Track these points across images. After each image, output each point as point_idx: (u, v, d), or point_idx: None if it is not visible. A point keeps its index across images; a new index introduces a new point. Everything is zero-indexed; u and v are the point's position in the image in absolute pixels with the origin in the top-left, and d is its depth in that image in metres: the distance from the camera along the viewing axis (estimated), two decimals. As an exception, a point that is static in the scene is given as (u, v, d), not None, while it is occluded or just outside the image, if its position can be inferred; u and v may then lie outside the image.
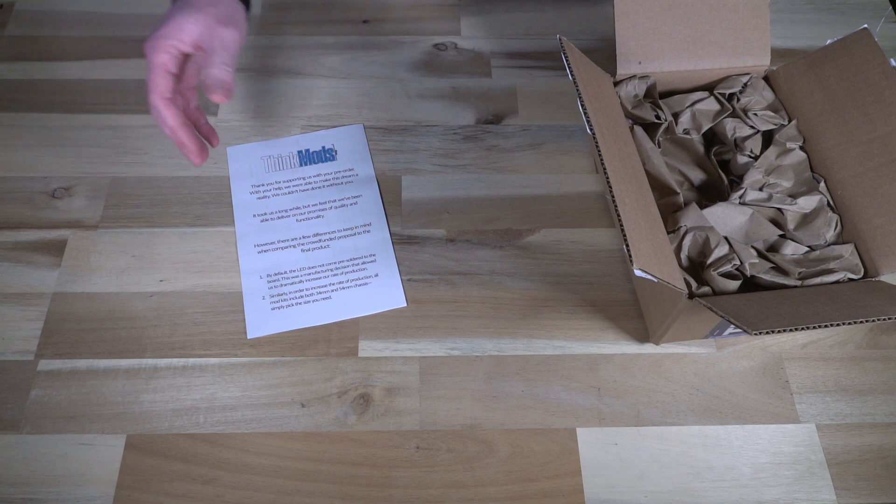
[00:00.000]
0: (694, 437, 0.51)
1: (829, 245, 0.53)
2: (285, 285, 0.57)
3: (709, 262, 0.50)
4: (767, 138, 0.58)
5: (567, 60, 0.49)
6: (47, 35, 0.72)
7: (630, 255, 0.40)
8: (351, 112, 0.67)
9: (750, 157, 0.56)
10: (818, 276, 0.50)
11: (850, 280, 0.51)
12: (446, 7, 0.76)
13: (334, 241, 0.59)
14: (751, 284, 0.50)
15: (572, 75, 0.48)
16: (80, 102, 0.67)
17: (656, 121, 0.58)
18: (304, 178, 0.63)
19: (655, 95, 0.59)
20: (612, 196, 0.43)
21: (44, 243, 0.58)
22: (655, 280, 0.41)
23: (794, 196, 0.55)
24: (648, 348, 0.55)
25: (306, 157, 0.64)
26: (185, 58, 0.51)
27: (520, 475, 0.49)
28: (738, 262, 0.50)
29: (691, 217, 0.52)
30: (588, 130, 0.46)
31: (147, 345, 0.54)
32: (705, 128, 0.58)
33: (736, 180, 0.56)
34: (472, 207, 0.62)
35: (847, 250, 0.52)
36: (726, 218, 0.53)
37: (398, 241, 0.60)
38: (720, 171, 0.57)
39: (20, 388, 0.52)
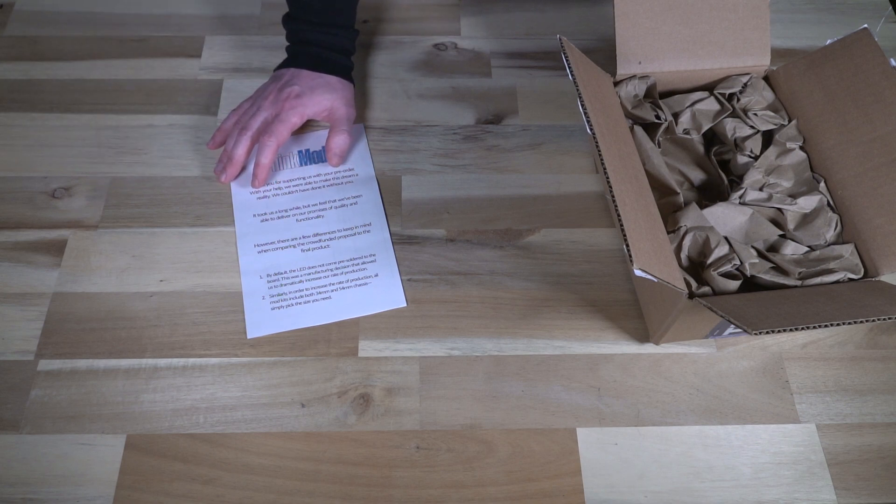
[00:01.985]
0: (694, 437, 0.51)
1: (829, 245, 0.53)
2: (285, 285, 0.57)
3: (709, 262, 0.50)
4: (767, 138, 0.58)
5: (567, 60, 0.49)
6: (47, 35, 0.72)
7: (630, 255, 0.40)
8: (351, 112, 0.67)
9: (750, 157, 0.57)
10: (818, 276, 0.50)
11: (850, 280, 0.51)
12: (446, 7, 0.76)
13: (334, 241, 0.59)
14: (751, 284, 0.50)
15: (572, 75, 0.48)
16: (80, 102, 0.67)
17: (656, 121, 0.58)
18: (304, 178, 0.63)
19: (655, 95, 0.59)
20: (612, 196, 0.43)
21: (44, 243, 0.58)
22: (655, 280, 0.41)
23: (794, 196, 0.55)
24: (648, 348, 0.55)
25: (306, 157, 0.64)
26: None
27: (520, 475, 0.49)
28: (738, 262, 0.50)
29: (691, 217, 0.52)
30: (588, 130, 0.46)
31: (147, 345, 0.54)
32: (705, 128, 0.58)
33: (736, 180, 0.56)
34: (472, 207, 0.62)
35: (847, 250, 0.52)
36: (726, 218, 0.53)
37: (398, 241, 0.60)
38: (720, 171, 0.57)
39: (20, 388, 0.52)
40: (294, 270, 0.58)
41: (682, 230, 0.51)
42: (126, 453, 0.49)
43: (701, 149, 0.58)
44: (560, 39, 0.51)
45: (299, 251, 0.59)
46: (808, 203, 0.54)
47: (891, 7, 0.76)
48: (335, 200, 0.62)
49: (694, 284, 0.49)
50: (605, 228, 0.60)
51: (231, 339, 0.54)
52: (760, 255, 0.52)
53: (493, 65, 0.71)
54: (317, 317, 0.55)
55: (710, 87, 0.61)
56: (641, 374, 0.53)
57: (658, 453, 0.50)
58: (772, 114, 0.59)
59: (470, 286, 0.57)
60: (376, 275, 0.58)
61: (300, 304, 0.56)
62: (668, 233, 0.52)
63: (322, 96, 0.61)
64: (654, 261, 0.43)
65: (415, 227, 0.60)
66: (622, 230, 0.41)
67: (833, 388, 0.53)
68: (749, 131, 0.58)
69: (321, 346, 0.54)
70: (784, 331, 0.39)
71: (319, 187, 0.62)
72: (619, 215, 0.42)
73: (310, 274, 0.58)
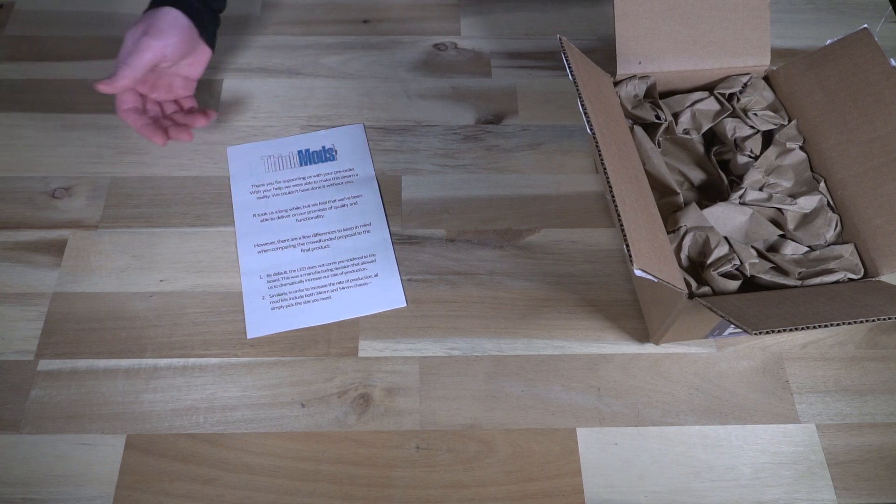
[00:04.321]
0: (694, 437, 0.51)
1: (829, 245, 0.53)
2: (285, 285, 0.57)
3: (709, 262, 0.50)
4: (767, 138, 0.58)
5: (567, 60, 0.49)
6: (47, 35, 0.72)
7: (630, 255, 0.40)
8: (351, 112, 0.67)
9: (750, 157, 0.57)
10: (818, 276, 0.50)
11: (850, 280, 0.51)
12: (446, 7, 0.76)
13: (334, 241, 0.59)
14: (751, 284, 0.50)
15: (572, 75, 0.48)
16: (80, 102, 0.67)
17: (656, 121, 0.58)
18: (304, 178, 0.63)
19: (655, 95, 0.59)
20: (612, 196, 0.43)
21: (44, 243, 0.58)
22: (655, 280, 0.41)
23: (794, 196, 0.55)
24: (648, 348, 0.55)
25: (306, 157, 0.64)
26: (148, 73, 0.59)
27: (520, 475, 0.49)
28: (738, 262, 0.50)
29: (691, 217, 0.52)
30: (588, 130, 0.46)
31: (147, 345, 0.54)
32: (705, 128, 0.58)
33: (736, 180, 0.56)
34: (472, 207, 0.62)
35: (847, 250, 0.52)
36: (726, 218, 0.53)
37: (398, 241, 0.60)
38: (720, 171, 0.57)
39: (20, 388, 0.52)
40: (294, 270, 0.58)
41: (682, 230, 0.51)
42: (126, 453, 0.49)
43: (701, 149, 0.58)
44: (560, 39, 0.51)
45: (299, 251, 0.59)
46: (808, 203, 0.54)
47: (891, 7, 0.76)
48: (335, 200, 0.62)
49: (694, 284, 0.49)
50: (605, 228, 0.60)
51: (231, 339, 0.54)
52: (760, 255, 0.52)
53: (493, 65, 0.71)
54: (317, 317, 0.55)
55: (710, 87, 0.61)
56: (641, 374, 0.53)
57: (658, 453, 0.50)
58: (772, 114, 0.59)
59: (470, 286, 0.57)
60: (376, 275, 0.58)
61: (300, 304, 0.56)
62: (668, 233, 0.52)
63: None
64: (654, 261, 0.43)
65: (415, 227, 0.60)
66: (622, 230, 0.41)
67: (833, 388, 0.53)
68: (749, 131, 0.58)
69: (321, 346, 0.54)
70: (784, 331, 0.39)
71: (319, 187, 0.62)
72: (619, 215, 0.42)
73: (310, 274, 0.58)
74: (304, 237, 0.60)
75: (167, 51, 0.57)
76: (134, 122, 0.59)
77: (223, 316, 0.55)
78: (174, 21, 0.58)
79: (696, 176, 0.58)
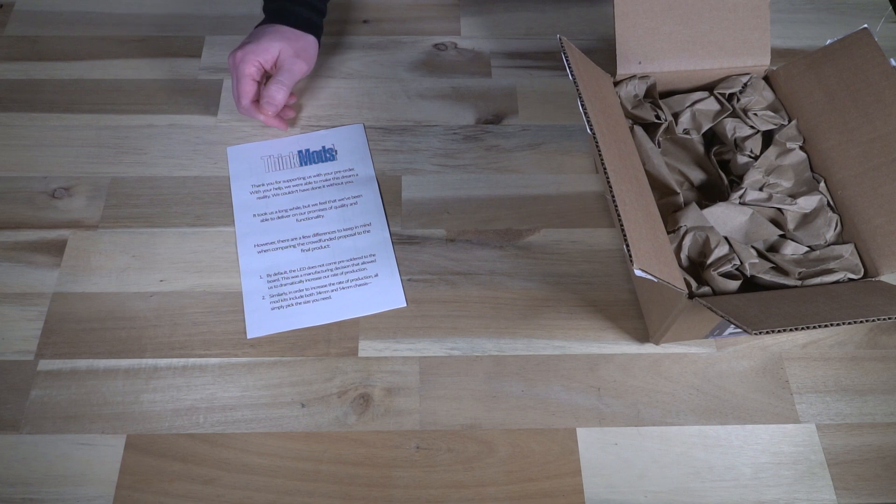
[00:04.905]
0: (694, 437, 0.51)
1: (829, 245, 0.53)
2: (285, 285, 0.57)
3: (709, 262, 0.50)
4: (767, 138, 0.58)
5: (567, 60, 0.49)
6: (47, 35, 0.72)
7: (630, 255, 0.40)
8: (351, 112, 0.67)
9: (750, 157, 0.57)
10: (818, 276, 0.50)
11: (850, 280, 0.51)
12: (446, 7, 0.76)
13: (334, 241, 0.59)
14: (751, 284, 0.50)
15: (572, 75, 0.48)
16: (80, 102, 0.67)
17: (656, 121, 0.58)
18: (304, 178, 0.63)
19: (655, 95, 0.59)
20: (612, 196, 0.43)
21: (44, 243, 0.58)
22: (655, 280, 0.41)
23: (794, 196, 0.55)
24: (648, 348, 0.55)
25: (306, 157, 0.64)
26: (265, 72, 0.63)
27: (520, 475, 0.49)
28: (738, 262, 0.50)
29: (691, 217, 0.52)
30: (588, 130, 0.46)
31: (147, 345, 0.54)
32: (705, 128, 0.58)
33: (736, 180, 0.56)
34: (472, 207, 0.62)
35: (847, 250, 0.52)
36: (726, 218, 0.53)
37: (398, 241, 0.60)
38: (720, 171, 0.57)
39: (20, 388, 0.52)
40: (294, 270, 0.58)
41: (682, 230, 0.51)
42: (126, 453, 0.49)
43: (701, 149, 0.58)
44: (560, 39, 0.51)
45: (299, 251, 0.59)
46: (808, 203, 0.54)
47: (891, 7, 0.76)
48: (335, 200, 0.62)
49: (694, 284, 0.49)
50: (605, 228, 0.60)
51: (231, 339, 0.54)
52: (760, 255, 0.52)
53: (493, 65, 0.71)
54: (317, 317, 0.55)
55: (710, 87, 0.61)
56: (641, 374, 0.53)
57: (658, 453, 0.50)
58: (772, 114, 0.59)
59: (470, 286, 0.57)
60: (376, 275, 0.58)
61: (300, 304, 0.56)
62: (668, 233, 0.52)
63: (270, 42, 0.60)
64: (654, 261, 0.43)
65: (415, 227, 0.60)
66: (622, 230, 0.41)
67: (833, 388, 0.53)
68: (749, 131, 0.58)
69: (321, 346, 0.54)
70: (784, 331, 0.39)
71: (319, 187, 0.62)
72: (619, 215, 0.42)
73: (310, 274, 0.58)
74: (304, 237, 0.60)
75: (308, 71, 0.64)
76: (262, 118, 0.63)
77: (223, 316, 0.55)
78: (315, 49, 0.64)
79: (696, 176, 0.58)
